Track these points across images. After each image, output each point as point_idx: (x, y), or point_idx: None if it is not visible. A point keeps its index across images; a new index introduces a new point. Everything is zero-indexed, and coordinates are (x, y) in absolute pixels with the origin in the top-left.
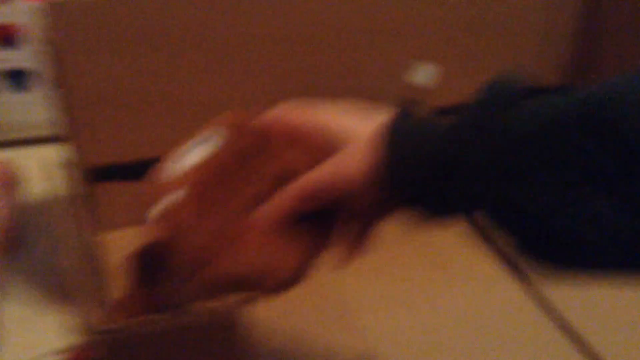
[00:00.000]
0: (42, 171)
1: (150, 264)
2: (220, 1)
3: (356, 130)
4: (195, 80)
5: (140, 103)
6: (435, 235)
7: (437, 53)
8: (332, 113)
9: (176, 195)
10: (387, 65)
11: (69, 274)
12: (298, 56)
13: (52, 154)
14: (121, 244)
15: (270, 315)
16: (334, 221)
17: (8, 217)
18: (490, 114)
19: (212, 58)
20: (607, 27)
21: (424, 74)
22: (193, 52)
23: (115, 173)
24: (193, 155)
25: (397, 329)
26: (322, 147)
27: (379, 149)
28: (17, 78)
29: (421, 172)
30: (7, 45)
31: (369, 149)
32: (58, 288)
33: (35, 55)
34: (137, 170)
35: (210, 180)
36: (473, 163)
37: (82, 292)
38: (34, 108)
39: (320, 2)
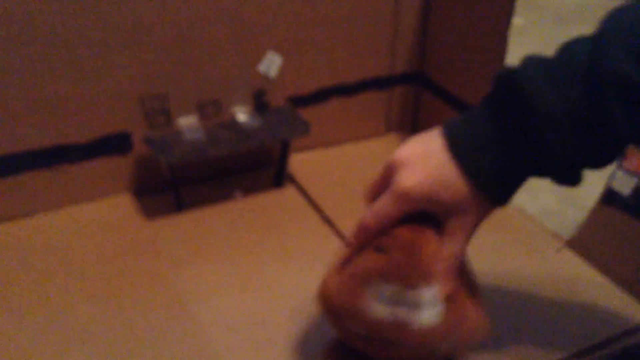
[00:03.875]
0: None
1: None
2: None
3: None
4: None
5: None
6: (280, 220)
7: (292, 45)
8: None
9: None
10: (240, 55)
11: None
12: (148, 46)
13: None
14: None
15: (102, 304)
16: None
17: None
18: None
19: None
20: (439, 23)
21: (269, 65)
22: (24, 48)
23: None
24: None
25: (229, 314)
26: None
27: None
28: None
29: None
30: None
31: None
32: None
33: None
34: None
35: None
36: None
37: None
38: None
39: None
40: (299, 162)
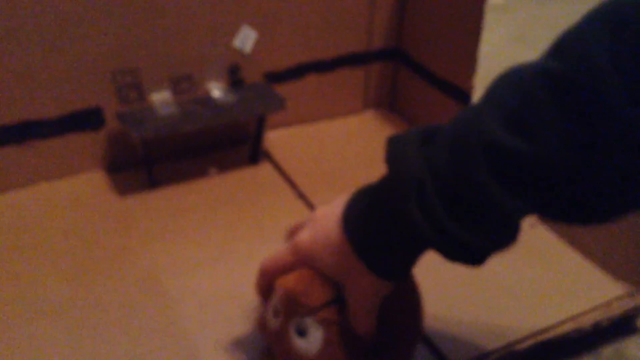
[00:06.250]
0: None
1: None
2: None
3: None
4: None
5: None
6: (255, 197)
7: (267, 20)
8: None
9: None
10: (215, 30)
11: None
12: (119, 19)
13: None
14: None
15: (73, 280)
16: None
17: None
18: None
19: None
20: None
21: (243, 40)
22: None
23: None
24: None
25: (201, 290)
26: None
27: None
28: None
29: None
30: None
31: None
32: None
33: None
34: None
35: None
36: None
37: None
38: None
39: None
40: (275, 139)
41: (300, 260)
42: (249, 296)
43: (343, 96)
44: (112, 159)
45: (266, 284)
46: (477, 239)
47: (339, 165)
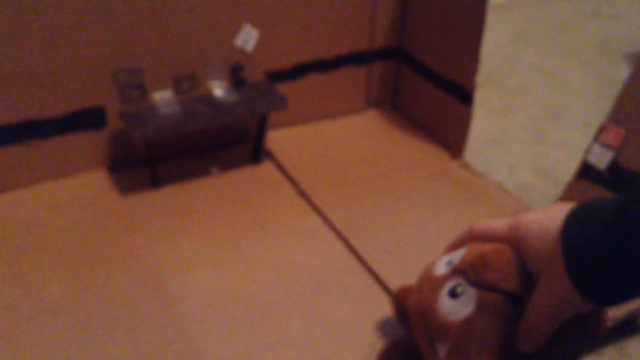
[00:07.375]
0: None
1: None
2: None
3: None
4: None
5: None
6: (257, 196)
7: (269, 19)
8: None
9: None
10: (217, 29)
11: None
12: (122, 18)
13: None
14: None
15: (76, 279)
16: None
17: None
18: None
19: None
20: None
21: (245, 39)
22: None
23: None
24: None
25: (203, 289)
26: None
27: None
28: None
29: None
30: None
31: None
32: None
33: None
34: None
35: None
36: None
37: None
38: None
39: None
40: (277, 139)
41: (511, 236)
42: (251, 296)
43: (345, 95)
44: (114, 158)
45: (465, 240)
46: None
47: (341, 164)
